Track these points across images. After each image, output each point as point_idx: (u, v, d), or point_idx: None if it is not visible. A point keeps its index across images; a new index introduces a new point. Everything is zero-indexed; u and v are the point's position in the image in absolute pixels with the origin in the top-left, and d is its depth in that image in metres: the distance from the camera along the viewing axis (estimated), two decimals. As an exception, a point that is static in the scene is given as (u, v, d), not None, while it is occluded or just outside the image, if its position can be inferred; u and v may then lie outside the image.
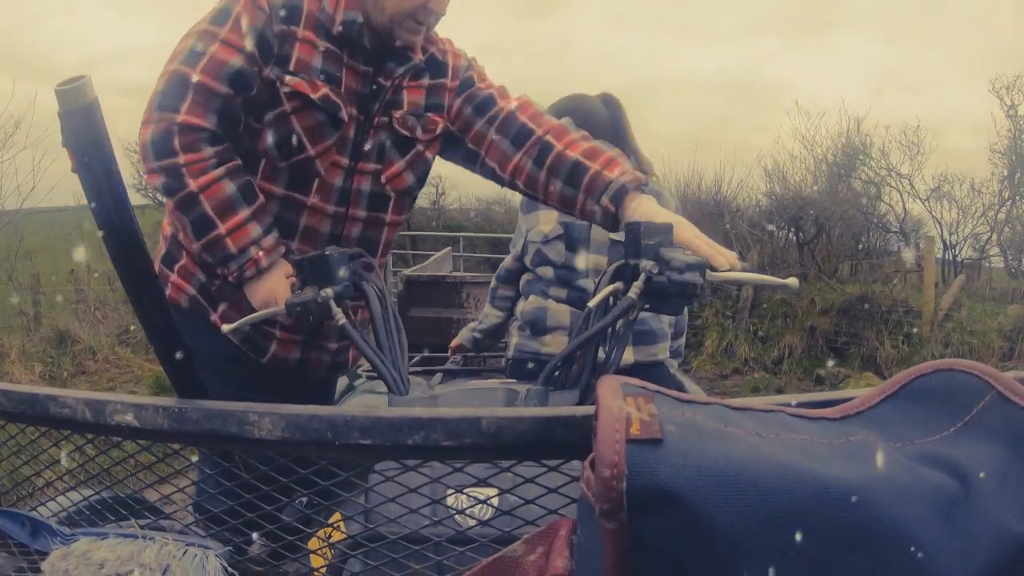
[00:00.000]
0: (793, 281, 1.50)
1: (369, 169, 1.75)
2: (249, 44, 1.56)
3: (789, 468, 0.52)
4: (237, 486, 1.06)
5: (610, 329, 1.50)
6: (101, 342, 8.30)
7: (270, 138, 1.64)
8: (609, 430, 0.54)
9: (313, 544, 1.15)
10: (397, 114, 1.73)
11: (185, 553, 0.92)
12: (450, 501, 1.16)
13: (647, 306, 1.44)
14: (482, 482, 0.95)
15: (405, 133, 1.74)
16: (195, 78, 1.54)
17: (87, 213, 1.03)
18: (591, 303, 1.50)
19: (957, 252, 12.47)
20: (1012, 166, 11.84)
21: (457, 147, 1.83)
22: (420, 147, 1.78)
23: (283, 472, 1.03)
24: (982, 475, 0.55)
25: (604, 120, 2.46)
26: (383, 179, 1.76)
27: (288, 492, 1.04)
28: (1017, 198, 11.83)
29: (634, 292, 1.42)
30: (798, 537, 0.51)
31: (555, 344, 2.37)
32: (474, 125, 1.77)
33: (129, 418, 0.96)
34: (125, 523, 1.03)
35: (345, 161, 1.72)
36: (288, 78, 1.60)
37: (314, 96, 1.62)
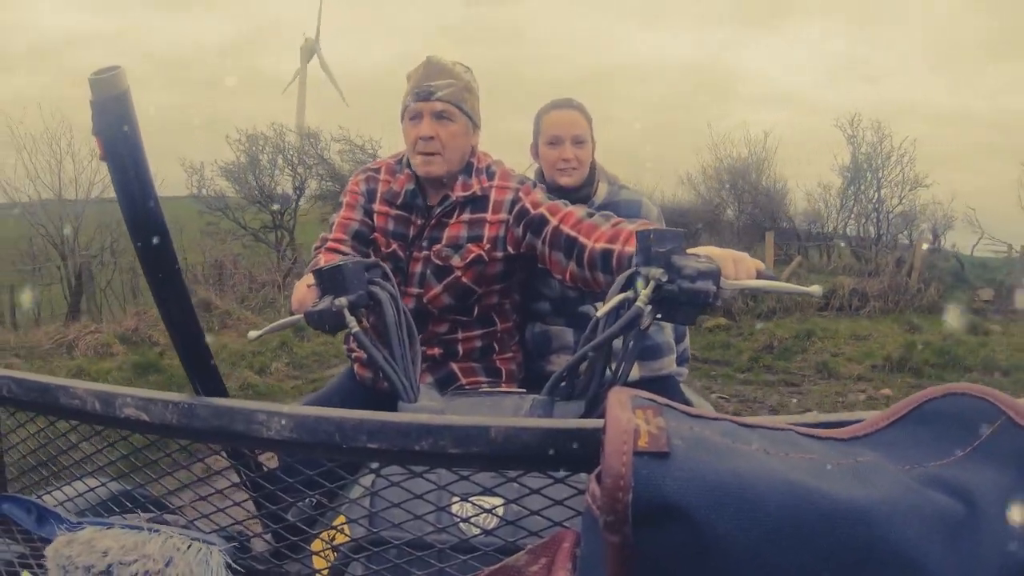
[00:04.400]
0: (816, 289, 1.48)
1: (413, 292, 2.12)
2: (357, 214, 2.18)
3: (796, 487, 0.52)
4: (244, 484, 1.06)
5: (619, 339, 1.49)
6: (231, 307, 10.73)
7: None
8: (617, 442, 0.54)
9: (316, 546, 1.15)
10: (436, 247, 2.10)
11: (189, 547, 0.93)
12: (455, 509, 1.16)
13: (659, 315, 1.43)
14: (488, 491, 0.95)
15: (440, 263, 2.09)
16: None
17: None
18: (600, 312, 1.50)
19: (830, 241, 17.48)
20: (848, 180, 17.11)
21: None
22: (458, 273, 2.09)
23: (290, 472, 1.03)
24: (989, 501, 0.54)
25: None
26: (424, 300, 2.12)
27: (294, 492, 1.04)
28: (854, 203, 17.16)
29: (643, 300, 1.41)
30: (802, 556, 0.51)
31: (561, 364, 2.36)
32: (535, 246, 2.04)
33: (138, 412, 0.96)
34: (130, 515, 1.03)
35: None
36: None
37: (385, 251, 2.14)
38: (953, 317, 11.07)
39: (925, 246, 14.47)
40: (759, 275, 1.50)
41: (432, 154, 2.06)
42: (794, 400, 7.28)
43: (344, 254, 2.06)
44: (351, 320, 1.57)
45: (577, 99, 2.58)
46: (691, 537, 0.51)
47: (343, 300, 1.56)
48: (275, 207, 16.00)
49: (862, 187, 16.88)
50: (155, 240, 1.07)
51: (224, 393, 1.22)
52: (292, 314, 1.81)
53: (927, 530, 0.52)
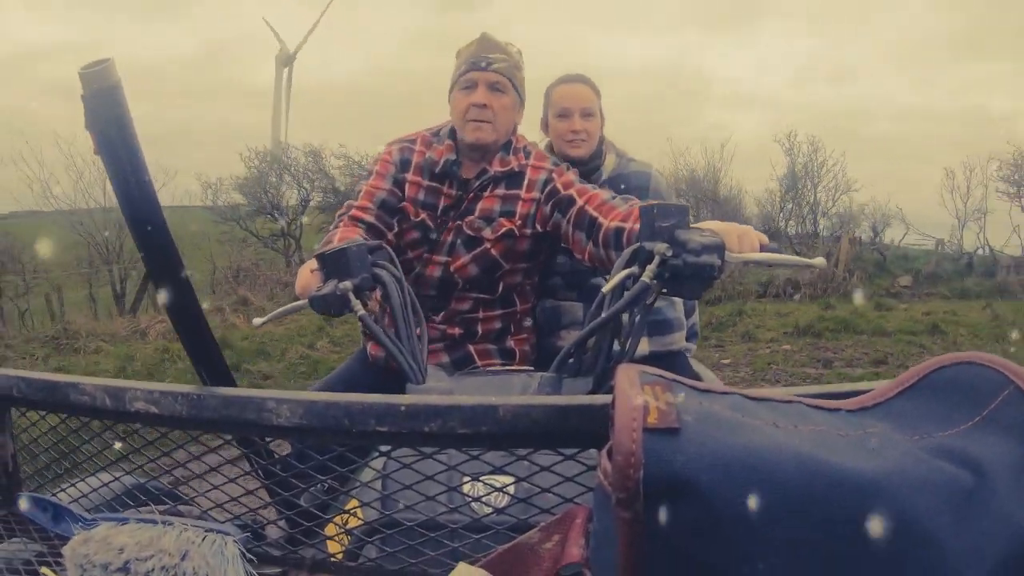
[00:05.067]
0: (820, 261, 1.48)
1: (440, 261, 2.16)
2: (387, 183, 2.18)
3: (806, 459, 0.52)
4: (256, 472, 1.06)
5: (626, 315, 1.48)
6: (264, 303, 12.34)
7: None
8: (626, 419, 0.54)
9: (330, 530, 1.16)
10: (469, 219, 2.13)
11: (204, 539, 0.93)
12: (466, 489, 1.17)
13: (664, 290, 1.42)
14: (498, 470, 0.96)
15: (471, 234, 2.13)
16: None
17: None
18: (605, 288, 1.49)
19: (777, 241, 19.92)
20: (786, 187, 19.91)
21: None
22: (487, 245, 2.12)
23: (301, 458, 1.03)
24: (998, 470, 0.54)
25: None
26: (451, 269, 2.15)
27: (306, 478, 1.05)
28: (792, 206, 20.02)
29: (648, 276, 1.40)
30: (813, 528, 0.51)
31: (571, 339, 2.36)
32: (560, 224, 2.08)
33: (148, 405, 0.97)
34: (145, 508, 1.03)
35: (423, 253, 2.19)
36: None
37: (415, 220, 2.16)
38: (858, 298, 13.45)
39: (847, 243, 16.90)
40: (763, 248, 1.49)
41: (484, 121, 2.09)
42: (716, 354, 8.92)
43: (367, 223, 2.08)
44: (356, 303, 1.56)
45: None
46: (703, 511, 0.52)
47: (347, 283, 1.55)
48: (281, 222, 18.62)
49: (800, 192, 20.47)
50: (153, 230, 1.06)
51: (232, 382, 1.22)
52: (296, 299, 1.80)
53: (936, 500, 0.52)
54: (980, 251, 19.07)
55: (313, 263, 1.69)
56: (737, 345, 9.58)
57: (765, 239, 1.50)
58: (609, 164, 2.57)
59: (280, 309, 1.83)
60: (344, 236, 1.94)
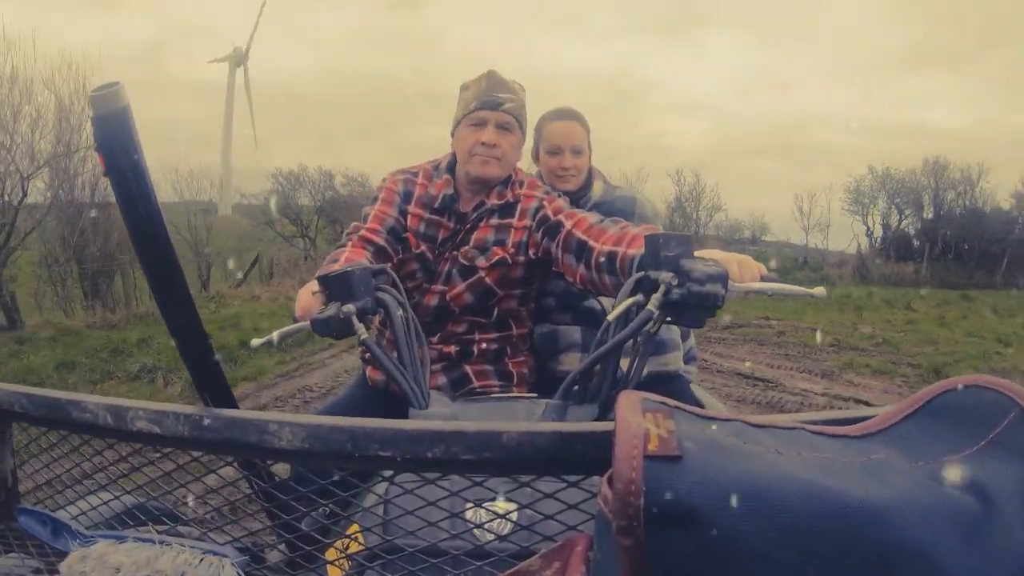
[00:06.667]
0: (821, 290, 1.48)
1: (437, 290, 2.20)
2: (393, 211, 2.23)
3: (810, 486, 0.52)
4: (257, 495, 1.06)
5: (631, 342, 1.48)
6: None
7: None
8: (627, 446, 0.54)
9: (330, 555, 1.15)
10: (464, 249, 2.19)
11: (201, 561, 0.92)
12: (469, 515, 1.16)
13: (668, 319, 1.43)
14: (501, 496, 0.95)
15: (466, 263, 2.18)
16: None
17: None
18: (610, 316, 1.50)
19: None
20: (674, 210, 29.61)
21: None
22: (481, 273, 2.18)
23: (302, 482, 1.02)
24: (1005, 495, 0.54)
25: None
26: (447, 297, 2.20)
27: (307, 502, 1.04)
28: (680, 220, 28.51)
29: (653, 304, 1.41)
30: (817, 556, 0.50)
31: (570, 363, 2.38)
32: (550, 249, 2.12)
33: (150, 425, 0.96)
34: (143, 528, 1.03)
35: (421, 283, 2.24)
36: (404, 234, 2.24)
37: (415, 251, 2.21)
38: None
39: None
40: (763, 278, 1.50)
41: (492, 158, 2.15)
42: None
43: (377, 245, 2.12)
44: (359, 327, 1.56)
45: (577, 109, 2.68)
46: (704, 539, 0.51)
47: (351, 307, 1.55)
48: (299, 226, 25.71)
49: (685, 211, 30.33)
50: (158, 252, 1.07)
51: (234, 404, 1.22)
52: (295, 321, 1.80)
53: (942, 527, 0.51)
54: (815, 251, 30.10)
55: (314, 285, 1.69)
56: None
57: (764, 269, 1.51)
58: (596, 191, 2.64)
59: (280, 331, 1.82)
60: (350, 258, 1.97)
